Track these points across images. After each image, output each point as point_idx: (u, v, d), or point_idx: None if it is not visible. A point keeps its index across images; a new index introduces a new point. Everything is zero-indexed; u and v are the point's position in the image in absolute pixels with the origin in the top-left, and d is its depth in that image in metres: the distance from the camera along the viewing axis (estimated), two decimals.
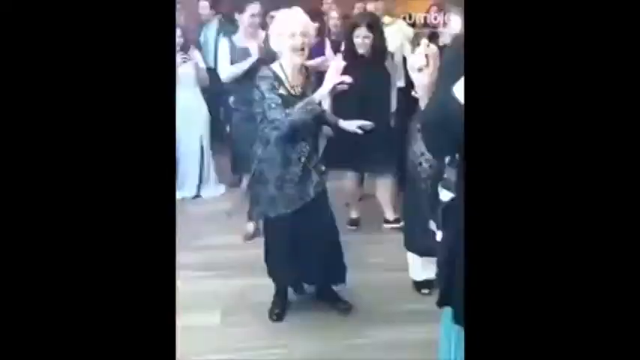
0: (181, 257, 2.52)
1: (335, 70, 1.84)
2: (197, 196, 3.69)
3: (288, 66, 1.87)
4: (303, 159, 1.95)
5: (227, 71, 2.82)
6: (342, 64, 1.90)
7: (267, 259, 2.19)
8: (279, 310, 2.21)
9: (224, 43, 2.83)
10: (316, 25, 3.84)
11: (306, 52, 1.85)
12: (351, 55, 2.67)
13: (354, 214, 3.18)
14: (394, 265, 2.46)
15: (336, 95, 2.64)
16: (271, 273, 2.19)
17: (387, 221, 3.10)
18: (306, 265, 2.10)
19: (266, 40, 2.23)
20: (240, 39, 2.80)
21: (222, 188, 3.77)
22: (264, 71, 1.89)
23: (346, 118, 2.12)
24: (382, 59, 2.75)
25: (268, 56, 2.19)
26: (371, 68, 2.69)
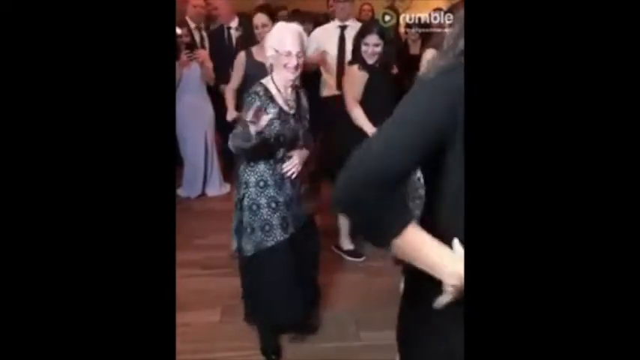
0: (184, 255, 2.57)
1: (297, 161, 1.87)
2: (202, 194, 3.70)
3: (280, 81, 1.83)
4: (297, 179, 1.89)
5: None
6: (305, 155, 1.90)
7: (259, 297, 1.93)
8: (276, 344, 2.04)
9: (240, 57, 2.78)
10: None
11: (300, 70, 1.80)
12: (365, 65, 2.47)
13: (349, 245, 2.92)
14: (388, 270, 2.47)
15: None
16: (266, 312, 1.94)
17: (338, 247, 2.85)
18: (300, 292, 1.96)
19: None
20: (257, 51, 2.73)
21: (227, 187, 3.78)
22: (254, 88, 1.83)
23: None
24: (390, 70, 2.58)
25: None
26: (382, 79, 2.50)
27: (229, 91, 2.95)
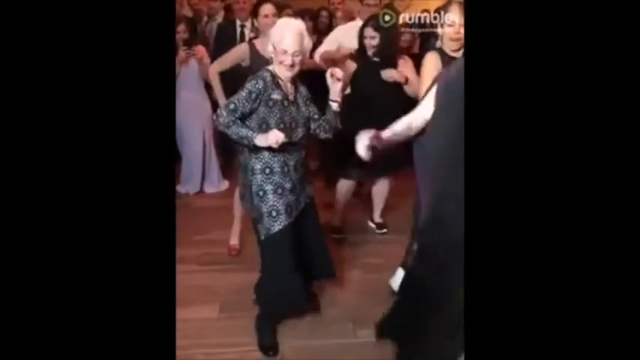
0: (182, 251, 2.57)
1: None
2: (200, 191, 3.70)
3: (281, 74, 1.87)
4: (299, 165, 1.94)
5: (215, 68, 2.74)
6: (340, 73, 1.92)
7: (268, 282, 1.97)
8: (274, 340, 2.06)
9: (242, 47, 2.71)
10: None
11: (297, 68, 1.83)
12: (362, 57, 2.67)
13: (336, 222, 3.06)
14: (386, 268, 2.48)
15: (345, 99, 2.48)
16: (276, 294, 1.96)
17: (372, 221, 3.17)
18: (305, 269, 2.02)
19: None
20: (260, 44, 2.63)
21: (226, 184, 3.78)
22: (261, 72, 1.86)
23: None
24: (392, 62, 2.65)
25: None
26: (373, 71, 2.62)
27: (214, 75, 2.71)
